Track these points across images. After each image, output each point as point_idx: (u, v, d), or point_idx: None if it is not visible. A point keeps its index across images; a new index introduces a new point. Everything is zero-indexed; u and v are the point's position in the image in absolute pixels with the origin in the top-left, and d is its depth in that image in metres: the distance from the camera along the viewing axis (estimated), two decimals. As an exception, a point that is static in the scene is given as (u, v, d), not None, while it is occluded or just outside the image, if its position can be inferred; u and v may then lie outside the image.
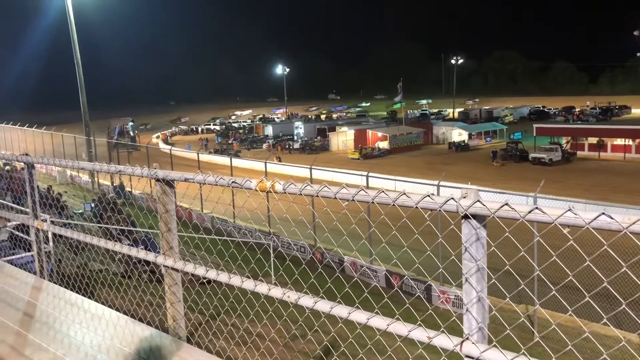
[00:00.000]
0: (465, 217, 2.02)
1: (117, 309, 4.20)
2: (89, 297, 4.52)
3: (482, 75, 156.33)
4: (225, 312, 4.95)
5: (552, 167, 41.16)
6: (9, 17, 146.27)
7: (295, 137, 67.23)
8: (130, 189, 28.63)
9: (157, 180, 3.43)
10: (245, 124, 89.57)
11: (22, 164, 5.09)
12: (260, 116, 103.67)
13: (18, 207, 8.63)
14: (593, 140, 46.48)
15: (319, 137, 63.99)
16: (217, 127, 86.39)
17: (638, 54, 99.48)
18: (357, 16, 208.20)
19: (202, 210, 25.39)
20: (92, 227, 15.23)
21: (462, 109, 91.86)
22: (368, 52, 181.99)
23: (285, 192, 2.62)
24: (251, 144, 65.06)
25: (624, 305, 2.05)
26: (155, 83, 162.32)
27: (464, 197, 2.01)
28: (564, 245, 2.12)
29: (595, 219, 1.70)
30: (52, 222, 5.47)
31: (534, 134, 49.58)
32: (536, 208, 1.82)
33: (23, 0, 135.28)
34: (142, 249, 4.02)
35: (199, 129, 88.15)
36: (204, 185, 3.13)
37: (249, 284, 2.88)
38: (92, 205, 21.65)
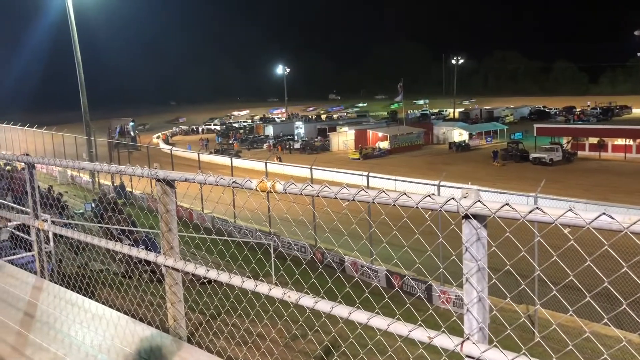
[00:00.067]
0: (466, 217, 2.02)
1: (117, 309, 4.20)
2: (90, 297, 4.52)
3: (482, 75, 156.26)
4: (225, 312, 4.95)
5: (552, 167, 41.15)
6: (10, 17, 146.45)
7: (296, 137, 67.23)
8: (130, 189, 28.66)
9: (158, 180, 3.44)
10: (245, 124, 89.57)
11: (23, 164, 5.09)
12: (258, 116, 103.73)
13: (19, 207, 8.64)
14: (594, 140, 46.46)
15: (319, 137, 63.97)
16: (218, 127, 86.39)
17: (638, 54, 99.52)
18: (357, 16, 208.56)
19: (202, 210, 25.39)
20: (93, 227, 15.23)
21: (462, 109, 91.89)
22: (368, 52, 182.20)
23: (285, 192, 2.62)
24: (252, 144, 65.05)
25: (624, 306, 2.05)
26: (156, 83, 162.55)
27: (465, 197, 2.01)
28: (564, 245, 2.12)
29: (595, 219, 1.69)
30: (53, 222, 5.47)
31: (535, 134, 49.58)
32: (537, 208, 1.82)
33: (24, 0, 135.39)
34: (142, 249, 4.02)
35: (200, 129, 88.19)
36: (204, 185, 3.13)
37: (249, 284, 2.88)
38: (93, 205, 21.66)
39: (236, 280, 2.95)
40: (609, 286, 1.90)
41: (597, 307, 2.18)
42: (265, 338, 3.79)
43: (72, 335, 3.84)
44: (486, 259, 2.07)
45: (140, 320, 3.93)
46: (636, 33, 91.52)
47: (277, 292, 2.73)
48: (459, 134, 58.22)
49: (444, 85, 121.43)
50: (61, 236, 6.21)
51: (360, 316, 2.37)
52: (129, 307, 4.63)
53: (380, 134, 57.80)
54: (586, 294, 2.07)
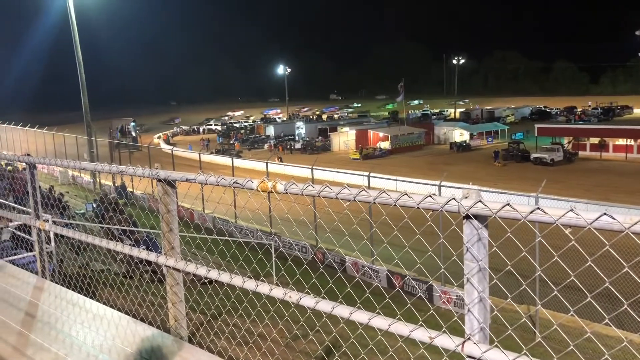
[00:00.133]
0: (467, 217, 2.02)
1: (118, 309, 4.21)
2: (91, 297, 4.53)
3: (482, 75, 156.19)
4: (226, 312, 4.95)
5: (553, 168, 41.13)
6: (11, 17, 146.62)
7: (297, 138, 67.25)
8: (131, 189, 28.69)
9: (159, 180, 3.44)
10: (246, 124, 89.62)
11: (24, 164, 5.10)
12: (253, 117, 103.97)
13: (20, 207, 8.65)
14: (595, 140, 46.44)
15: (320, 138, 63.99)
16: (219, 128, 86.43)
17: (639, 54, 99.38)
18: (357, 16, 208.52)
19: (203, 211, 25.39)
20: (94, 227, 15.24)
21: (464, 109, 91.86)
22: (368, 52, 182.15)
23: (286, 193, 2.62)
24: (252, 144, 65.06)
25: (625, 306, 2.05)
26: (156, 83, 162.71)
27: (466, 198, 2.01)
28: (565, 245, 2.12)
29: (597, 219, 1.69)
30: (54, 223, 5.48)
31: (536, 134, 49.56)
32: (538, 208, 1.82)
33: (24, 0, 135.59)
34: (143, 249, 4.02)
35: (201, 129, 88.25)
36: (205, 185, 3.13)
37: (250, 284, 2.88)
38: (94, 205, 21.67)
39: (237, 281, 2.95)
40: (610, 286, 1.90)
41: (598, 307, 2.18)
42: (267, 338, 3.80)
43: (74, 335, 3.85)
44: (487, 259, 2.07)
45: (142, 320, 3.93)
46: (637, 33, 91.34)
47: (278, 292, 2.73)
48: (460, 134, 58.20)
49: (444, 86, 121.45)
50: (62, 236, 6.22)
51: (361, 316, 2.37)
52: (130, 307, 4.64)
53: (381, 134, 57.79)
54: (587, 294, 2.07)
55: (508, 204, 1.87)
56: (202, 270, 3.18)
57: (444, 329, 2.15)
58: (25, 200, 6.51)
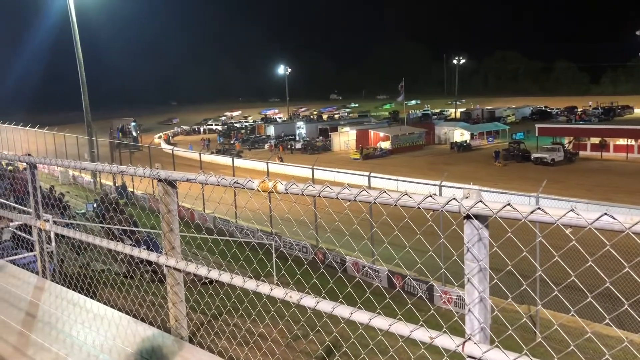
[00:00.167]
0: (468, 217, 2.02)
1: (119, 309, 4.21)
2: (91, 297, 4.53)
3: (482, 75, 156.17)
4: (227, 312, 4.95)
5: (554, 167, 41.11)
6: (11, 17, 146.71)
7: (297, 137, 67.25)
8: (132, 189, 28.70)
9: (159, 180, 3.44)
10: (247, 124, 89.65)
11: (25, 164, 5.10)
12: (251, 117, 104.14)
13: (20, 207, 8.65)
14: (595, 140, 46.42)
15: (321, 138, 64.00)
16: (219, 127, 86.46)
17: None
18: (357, 16, 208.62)
19: (204, 211, 25.40)
20: (95, 227, 15.25)
21: (464, 109, 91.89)
22: (369, 53, 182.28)
23: (287, 193, 2.62)
24: (253, 144, 65.08)
25: (626, 306, 2.05)
26: (157, 83, 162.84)
27: (466, 198, 2.01)
28: (566, 245, 2.12)
29: (597, 219, 1.69)
30: (55, 222, 5.48)
31: (536, 134, 49.54)
32: (538, 208, 1.82)
33: (25, 0, 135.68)
34: (144, 249, 4.03)
35: (201, 129, 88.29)
36: (206, 185, 3.13)
37: (251, 284, 2.88)
38: (95, 205, 21.68)
39: (238, 281, 2.95)
40: (610, 286, 1.90)
41: (598, 307, 2.18)
42: (267, 338, 3.80)
43: (74, 335, 3.85)
44: (487, 259, 2.07)
45: (142, 320, 3.93)
46: (637, 33, 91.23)
47: (279, 292, 2.73)
48: (460, 134, 58.19)
49: (445, 86, 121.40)
50: (63, 236, 6.22)
51: (361, 316, 2.37)
52: (131, 307, 4.64)
53: (381, 134, 57.78)
54: (588, 294, 2.07)
55: (509, 204, 1.87)
56: (202, 270, 3.18)
57: (444, 329, 2.15)
58: (25, 200, 6.52)
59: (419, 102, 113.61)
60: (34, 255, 5.45)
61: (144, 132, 78.61)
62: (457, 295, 15.20)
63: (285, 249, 20.80)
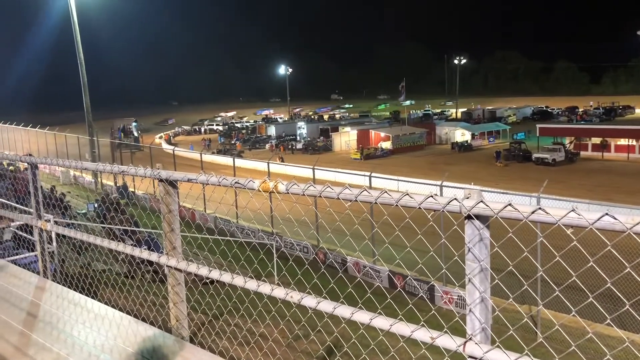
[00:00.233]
0: (469, 217, 2.02)
1: (120, 309, 4.21)
2: (92, 297, 4.53)
3: (482, 75, 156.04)
4: (228, 312, 4.96)
5: (555, 168, 41.09)
6: (13, 17, 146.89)
7: (298, 138, 67.26)
8: (133, 189, 28.71)
9: (160, 180, 3.44)
10: (248, 124, 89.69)
11: (26, 164, 5.10)
12: (246, 117, 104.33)
13: (22, 207, 8.66)
14: (596, 140, 46.40)
15: (321, 138, 63.99)
16: (220, 128, 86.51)
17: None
18: (358, 16, 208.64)
19: (205, 211, 25.41)
20: (96, 227, 15.25)
21: (465, 109, 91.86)
22: (370, 53, 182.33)
23: (288, 193, 2.62)
24: (254, 145, 65.10)
25: (627, 306, 2.05)
26: (157, 83, 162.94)
27: (467, 198, 2.01)
28: (567, 245, 2.12)
29: (598, 219, 1.69)
30: (56, 222, 5.49)
31: (537, 134, 49.52)
32: (539, 208, 1.82)
33: (26, 0, 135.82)
34: (145, 249, 4.03)
35: (202, 129, 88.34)
36: (207, 185, 3.14)
37: (251, 284, 2.88)
38: (96, 205, 21.70)
39: (238, 281, 2.95)
40: (611, 287, 1.90)
41: (600, 307, 2.18)
42: (268, 338, 3.80)
43: (75, 335, 3.85)
44: (489, 260, 2.07)
45: (143, 320, 3.93)
46: (638, 33, 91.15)
47: (280, 292, 2.73)
48: (461, 134, 58.18)
49: (446, 86, 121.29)
50: (64, 236, 6.22)
51: (362, 316, 2.37)
52: (132, 307, 4.64)
53: (382, 134, 57.76)
54: (589, 294, 2.06)
55: (510, 204, 1.87)
56: (203, 271, 3.18)
57: (445, 329, 2.15)
58: (27, 200, 6.52)
59: (413, 102, 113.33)
60: (35, 255, 5.45)
61: (142, 133, 78.73)
62: (458, 296, 15.19)
63: (286, 249, 20.80)
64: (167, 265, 3.47)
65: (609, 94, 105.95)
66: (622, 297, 2.02)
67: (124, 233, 15.18)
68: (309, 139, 65.07)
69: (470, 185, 21.98)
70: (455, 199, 2.03)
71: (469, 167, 42.56)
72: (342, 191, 2.39)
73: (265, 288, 2.81)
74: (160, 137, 73.69)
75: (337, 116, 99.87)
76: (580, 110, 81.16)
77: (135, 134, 63.87)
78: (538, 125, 52.65)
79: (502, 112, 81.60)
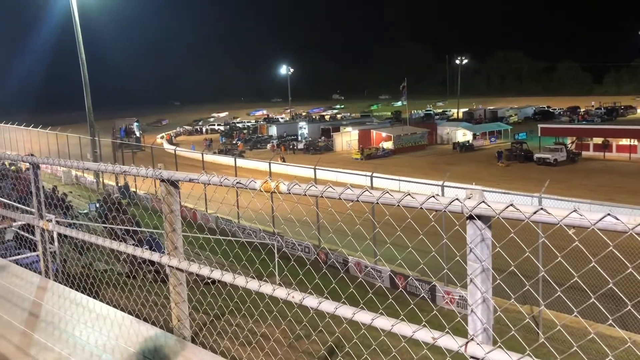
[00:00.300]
0: (470, 217, 2.02)
1: (122, 309, 4.21)
2: (94, 297, 4.54)
3: (485, 75, 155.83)
4: (229, 312, 4.96)
5: (557, 168, 41.05)
6: (14, 18, 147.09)
7: (300, 138, 67.28)
8: (135, 189, 28.74)
9: (162, 180, 3.44)
10: (249, 124, 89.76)
11: (28, 164, 5.11)
12: (239, 117, 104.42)
13: (23, 207, 8.67)
14: (598, 140, 46.35)
15: (323, 138, 64.00)
16: (222, 128, 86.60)
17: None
18: (359, 16, 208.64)
19: (206, 211, 25.43)
20: (97, 227, 15.27)
21: (466, 109, 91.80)
22: (370, 53, 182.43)
23: (289, 193, 2.62)
24: (255, 145, 65.13)
25: (629, 307, 2.05)
26: (159, 83, 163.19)
27: (469, 198, 2.01)
28: (569, 246, 2.12)
29: (600, 219, 1.69)
30: (57, 222, 5.49)
31: (539, 134, 49.48)
32: (541, 209, 1.81)
33: (28, 1, 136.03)
34: (146, 249, 4.03)
35: (204, 129, 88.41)
36: (208, 185, 3.14)
37: (253, 284, 2.88)
38: (97, 205, 21.72)
39: (240, 281, 2.95)
40: (613, 287, 1.90)
41: (602, 308, 2.18)
42: (269, 338, 3.79)
43: (77, 335, 3.86)
44: (490, 260, 2.06)
45: (145, 320, 3.94)
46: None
47: (281, 292, 2.73)
48: (462, 134, 58.14)
49: (447, 86, 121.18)
50: (65, 236, 6.23)
51: (364, 317, 2.37)
52: (133, 307, 4.65)
53: (383, 134, 57.76)
54: (591, 295, 2.06)
55: (511, 205, 1.87)
56: (205, 270, 3.18)
57: (447, 330, 2.14)
58: (28, 200, 6.53)
59: (404, 103, 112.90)
60: (37, 255, 5.46)
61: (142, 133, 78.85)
62: (460, 296, 15.18)
63: (288, 249, 20.80)
64: (168, 265, 3.47)
65: (612, 94, 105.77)
66: (624, 298, 2.01)
67: (125, 233, 15.19)
68: (310, 139, 65.09)
69: (472, 186, 21.98)
70: (456, 199, 2.03)
71: (470, 167, 42.53)
72: (343, 191, 2.38)
73: (266, 288, 2.81)
74: (162, 137, 73.76)
75: (339, 116, 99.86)
76: (582, 110, 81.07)
77: (137, 134, 63.90)
78: (539, 125, 52.61)
79: (504, 112, 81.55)
